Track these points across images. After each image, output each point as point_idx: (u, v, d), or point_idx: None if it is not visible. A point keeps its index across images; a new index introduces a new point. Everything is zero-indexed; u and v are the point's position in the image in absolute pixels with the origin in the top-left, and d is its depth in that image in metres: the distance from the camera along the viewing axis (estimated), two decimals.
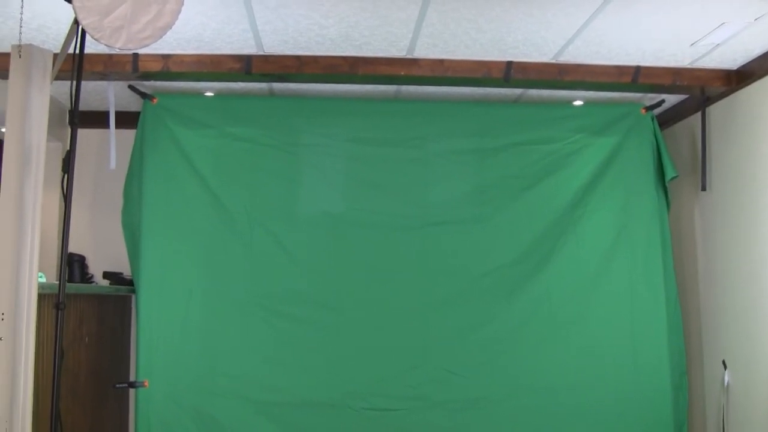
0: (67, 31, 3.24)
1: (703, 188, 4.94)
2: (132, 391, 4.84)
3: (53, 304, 3.08)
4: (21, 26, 3.67)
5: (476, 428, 4.79)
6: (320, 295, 4.86)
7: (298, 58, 4.47)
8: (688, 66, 4.59)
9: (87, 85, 4.76)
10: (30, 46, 3.20)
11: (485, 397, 4.82)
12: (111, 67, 4.41)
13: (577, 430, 4.80)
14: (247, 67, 4.45)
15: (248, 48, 4.35)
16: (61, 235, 3.13)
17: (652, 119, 5.14)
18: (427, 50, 4.38)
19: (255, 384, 4.72)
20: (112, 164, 4.83)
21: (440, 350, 4.86)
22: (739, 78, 4.59)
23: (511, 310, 4.92)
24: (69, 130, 4.54)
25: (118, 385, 4.78)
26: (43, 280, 4.02)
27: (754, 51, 4.30)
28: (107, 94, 4.84)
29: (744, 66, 4.53)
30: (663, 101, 5.14)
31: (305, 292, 4.86)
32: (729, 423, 4.63)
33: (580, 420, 4.81)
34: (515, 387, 4.84)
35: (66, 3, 2.79)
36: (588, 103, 5.18)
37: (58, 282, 3.12)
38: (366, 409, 4.76)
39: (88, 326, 4.53)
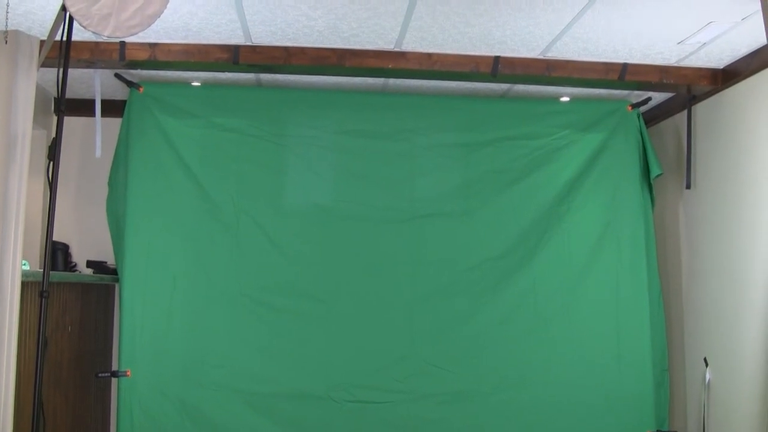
0: (53, 17, 3.22)
1: (688, 186, 4.96)
2: (115, 380, 4.83)
3: (37, 292, 3.07)
4: (7, 11, 3.64)
5: (461, 421, 4.80)
6: (306, 287, 4.86)
7: (285, 49, 4.46)
8: (675, 64, 4.61)
9: (73, 73, 4.73)
10: (17, 32, 3.18)
11: (471, 390, 4.83)
12: (97, 55, 4.38)
13: (559, 423, 4.82)
14: (234, 57, 4.44)
15: (236, 38, 4.33)
16: (46, 223, 3.11)
17: (638, 117, 5.15)
18: (415, 43, 4.38)
19: (240, 375, 4.71)
20: (98, 152, 4.81)
21: (426, 343, 4.86)
22: (725, 77, 4.61)
23: (497, 304, 4.93)
24: (54, 117, 4.51)
25: (100, 375, 4.76)
26: (27, 267, 4.01)
27: (740, 51, 4.32)
28: (93, 82, 4.82)
29: (730, 65, 4.55)
30: (649, 99, 5.16)
31: (291, 283, 4.85)
32: (710, 420, 4.67)
33: (563, 414, 4.83)
34: (500, 381, 4.85)
35: None
36: (575, 99, 5.19)
37: (41, 270, 3.11)
38: (351, 402, 4.76)
39: (71, 315, 4.51)
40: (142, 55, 4.41)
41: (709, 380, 4.70)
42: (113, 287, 5.24)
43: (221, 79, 4.95)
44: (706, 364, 4.73)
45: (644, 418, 4.83)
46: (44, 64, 3.54)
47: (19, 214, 3.14)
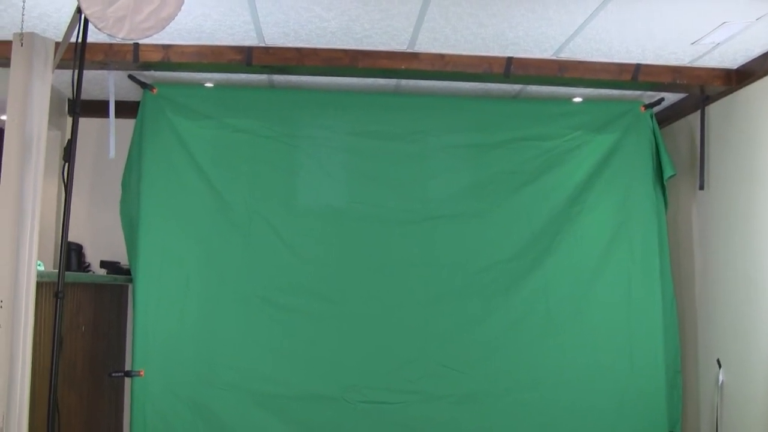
0: (68, 20, 3.23)
1: (701, 187, 4.95)
2: (128, 380, 4.85)
3: (52, 293, 3.08)
4: (23, 14, 3.66)
5: (473, 423, 4.80)
6: (318, 287, 4.86)
7: (298, 50, 4.47)
8: (689, 65, 4.59)
9: (87, 74, 4.71)
10: (32, 34, 3.19)
11: (482, 392, 4.83)
12: (111, 56, 4.41)
13: (572, 425, 4.82)
14: (247, 58, 4.45)
15: (249, 39, 4.34)
16: (61, 224, 3.12)
17: (651, 117, 5.14)
18: (427, 44, 4.38)
19: (253, 375, 4.72)
20: (112, 153, 4.82)
21: (438, 344, 4.86)
22: (739, 77, 4.60)
23: (509, 307, 4.92)
24: (68, 118, 4.51)
25: (113, 374, 4.78)
26: (42, 268, 4.03)
27: (754, 51, 4.31)
28: (107, 84, 4.83)
29: (744, 66, 4.53)
30: (662, 99, 5.15)
31: (303, 283, 4.86)
32: (723, 421, 4.65)
33: (575, 416, 4.82)
34: (512, 383, 4.85)
35: None
36: (587, 100, 5.19)
37: (56, 270, 3.12)
38: (363, 402, 4.76)
39: (85, 315, 4.53)
40: (156, 57, 4.42)
41: (722, 382, 4.68)
42: (126, 288, 5.25)
43: (234, 81, 4.97)
44: (719, 366, 4.71)
45: (657, 419, 4.82)
46: (58, 66, 3.56)
47: (34, 215, 3.15)
